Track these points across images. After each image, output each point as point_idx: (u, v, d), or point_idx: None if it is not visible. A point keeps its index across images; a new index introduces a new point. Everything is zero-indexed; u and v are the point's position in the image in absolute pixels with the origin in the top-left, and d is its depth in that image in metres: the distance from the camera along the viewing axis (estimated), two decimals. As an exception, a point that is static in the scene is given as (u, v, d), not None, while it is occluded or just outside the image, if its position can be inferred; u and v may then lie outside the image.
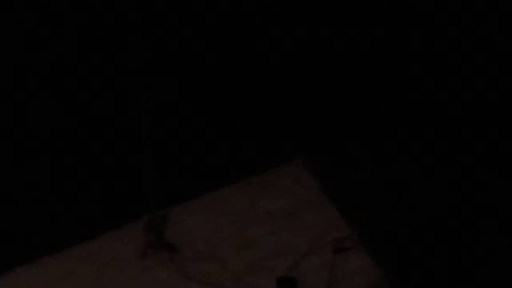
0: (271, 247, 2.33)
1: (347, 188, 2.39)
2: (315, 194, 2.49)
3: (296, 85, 2.37)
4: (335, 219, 2.40)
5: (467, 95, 2.34)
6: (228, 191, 2.50)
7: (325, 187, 2.49)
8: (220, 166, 2.43)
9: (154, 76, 2.03)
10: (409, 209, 2.15)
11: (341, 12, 2.39)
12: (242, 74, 2.21)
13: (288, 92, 2.36)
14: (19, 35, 2.27)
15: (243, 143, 2.41)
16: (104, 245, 2.36)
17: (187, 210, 2.46)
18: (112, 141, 2.13)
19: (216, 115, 2.28)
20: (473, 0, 2.34)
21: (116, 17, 2.31)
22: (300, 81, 2.36)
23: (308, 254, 2.30)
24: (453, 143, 2.20)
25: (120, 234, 2.38)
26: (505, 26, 2.30)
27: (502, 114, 2.21)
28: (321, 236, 2.35)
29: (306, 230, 2.37)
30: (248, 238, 2.36)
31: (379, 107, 2.10)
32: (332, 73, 2.33)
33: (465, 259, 2.05)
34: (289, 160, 2.59)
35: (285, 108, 2.38)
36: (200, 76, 2.14)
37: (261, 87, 2.28)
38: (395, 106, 2.06)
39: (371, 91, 2.20)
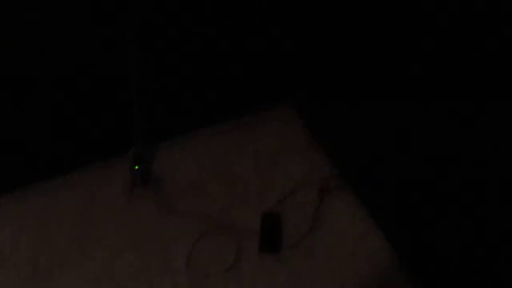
0: (257, 184, 2.36)
1: (335, 131, 2.40)
2: (303, 137, 2.52)
3: (289, 23, 2.35)
4: (322, 161, 2.43)
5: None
6: (217, 130, 2.53)
7: (313, 130, 2.52)
8: (209, 105, 2.44)
9: (143, 8, 2.02)
10: (399, 150, 2.14)
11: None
12: (234, 11, 2.20)
13: (281, 31, 2.35)
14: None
15: (233, 84, 2.41)
16: (91, 177, 2.38)
17: (175, 146, 2.48)
18: (101, 73, 2.13)
19: (208, 52, 2.27)
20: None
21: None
22: (292, 19, 2.34)
23: (293, 192, 2.33)
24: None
25: (108, 167, 2.40)
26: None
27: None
28: (308, 176, 2.38)
29: (293, 170, 2.40)
30: (235, 175, 2.39)
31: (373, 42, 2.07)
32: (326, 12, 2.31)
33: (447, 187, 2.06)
34: (278, 103, 2.62)
35: (276, 49, 2.37)
36: (193, 8, 2.12)
37: (252, 26, 2.27)
38: (388, 41, 2.03)
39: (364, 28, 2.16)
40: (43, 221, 2.24)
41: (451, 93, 1.74)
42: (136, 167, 2.31)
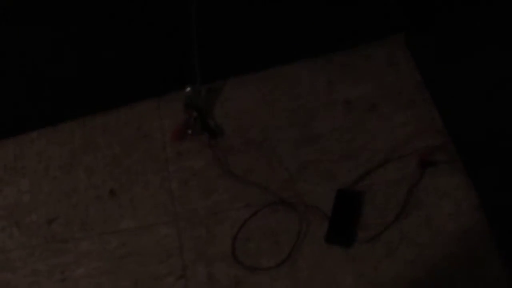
0: (340, 147, 1.82)
1: (455, 82, 1.78)
2: (411, 84, 1.89)
3: None
4: (431, 121, 1.83)
5: None
6: (299, 68, 1.97)
7: (426, 77, 1.89)
8: (291, 35, 1.89)
9: None
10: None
11: None
12: None
13: None
14: None
15: (325, 8, 1.84)
16: (135, 116, 2.02)
17: (242, 86, 1.99)
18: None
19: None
20: None
21: None
22: None
23: (385, 163, 1.78)
24: None
25: (156, 105, 2.01)
26: None
27: None
28: (407, 142, 1.80)
29: (389, 131, 1.82)
30: (313, 132, 1.86)
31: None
32: None
33: None
34: (383, 37, 1.96)
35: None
36: None
37: None
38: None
39: None
40: (87, 150, 1.99)
41: None
42: (191, 110, 1.89)
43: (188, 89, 1.90)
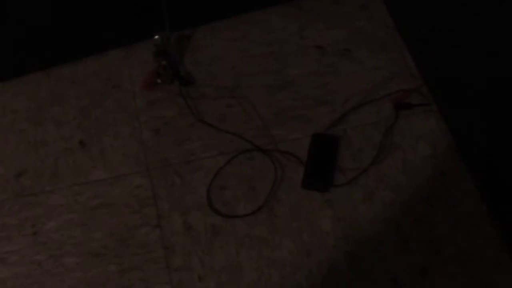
0: (314, 92, 1.80)
1: (427, 26, 1.76)
2: (383, 29, 1.87)
3: None
4: (404, 65, 1.81)
5: None
6: (270, 14, 1.93)
7: (398, 21, 1.86)
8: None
9: None
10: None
11: None
12: None
13: None
14: None
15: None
16: (103, 66, 1.95)
17: (213, 33, 1.94)
18: None
19: None
20: None
21: None
22: None
23: (359, 107, 1.77)
24: None
25: (125, 55, 1.95)
26: None
27: None
28: (381, 85, 1.79)
29: (363, 75, 1.81)
30: (286, 78, 1.83)
31: None
32: None
33: None
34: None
35: None
36: None
37: None
38: None
39: None
40: (55, 102, 1.91)
41: None
42: (160, 58, 1.84)
43: (157, 36, 1.83)
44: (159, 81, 1.86)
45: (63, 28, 1.93)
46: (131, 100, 1.88)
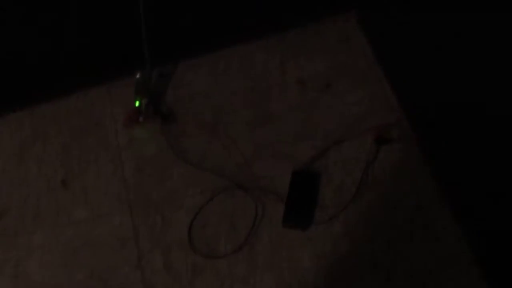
0: (295, 129, 1.80)
1: (406, 59, 1.77)
2: (364, 62, 1.87)
3: None
4: (385, 99, 1.81)
5: None
6: (251, 48, 1.94)
7: (379, 54, 1.87)
8: (242, 14, 1.86)
9: None
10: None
11: None
12: None
13: None
14: None
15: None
16: (85, 104, 1.96)
17: (194, 68, 1.95)
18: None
19: None
20: None
21: None
22: None
23: (340, 142, 1.76)
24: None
25: (106, 92, 1.96)
26: None
27: None
28: (362, 120, 1.78)
29: (344, 110, 1.80)
30: (268, 113, 1.83)
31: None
32: None
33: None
34: (335, 15, 1.94)
35: None
36: None
37: None
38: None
39: None
40: (37, 140, 1.93)
41: None
42: (142, 95, 1.85)
43: (138, 74, 1.85)
44: (141, 118, 1.86)
45: (46, 66, 1.94)
46: (113, 137, 1.88)
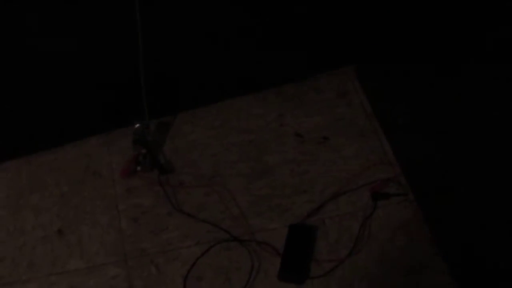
0: (292, 181, 1.81)
1: (404, 114, 1.78)
2: (362, 116, 1.89)
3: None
4: (382, 153, 1.82)
5: None
6: (249, 101, 1.96)
7: (377, 108, 1.89)
8: (240, 68, 1.88)
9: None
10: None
11: None
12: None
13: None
14: None
15: (275, 40, 1.83)
16: (83, 153, 1.97)
17: (193, 120, 1.97)
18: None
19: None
20: None
21: None
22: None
23: (337, 196, 1.77)
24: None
25: (105, 142, 1.98)
26: None
27: None
28: (359, 174, 1.79)
29: (341, 164, 1.81)
30: (265, 166, 1.84)
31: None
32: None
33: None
34: (334, 69, 1.97)
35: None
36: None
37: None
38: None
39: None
40: (34, 189, 1.93)
41: None
42: (139, 146, 1.86)
43: (137, 125, 1.87)
44: (138, 168, 1.87)
45: (42, 115, 1.95)
46: (111, 187, 1.88)
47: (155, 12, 1.67)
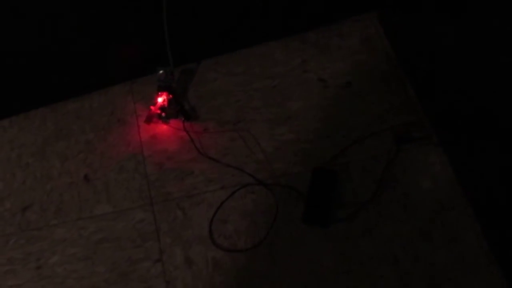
0: (315, 126, 1.81)
1: (428, 59, 1.76)
2: (385, 62, 1.87)
3: None
4: (406, 98, 1.81)
5: None
6: (272, 48, 1.95)
7: (400, 54, 1.87)
8: (264, 14, 1.87)
9: None
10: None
11: None
12: None
13: None
14: None
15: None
16: (108, 101, 1.99)
17: (216, 67, 1.96)
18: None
19: None
20: None
21: None
22: None
23: (360, 140, 1.77)
24: None
25: (129, 89, 1.99)
26: None
27: None
28: (382, 119, 1.78)
29: (364, 108, 1.80)
30: (288, 112, 1.84)
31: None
32: None
33: None
34: (357, 15, 1.94)
35: None
36: None
37: None
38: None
39: None
40: (60, 137, 1.97)
41: None
42: (163, 92, 1.87)
43: (161, 71, 1.87)
44: (163, 115, 1.88)
45: (67, 64, 1.96)
46: (136, 134, 1.91)
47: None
